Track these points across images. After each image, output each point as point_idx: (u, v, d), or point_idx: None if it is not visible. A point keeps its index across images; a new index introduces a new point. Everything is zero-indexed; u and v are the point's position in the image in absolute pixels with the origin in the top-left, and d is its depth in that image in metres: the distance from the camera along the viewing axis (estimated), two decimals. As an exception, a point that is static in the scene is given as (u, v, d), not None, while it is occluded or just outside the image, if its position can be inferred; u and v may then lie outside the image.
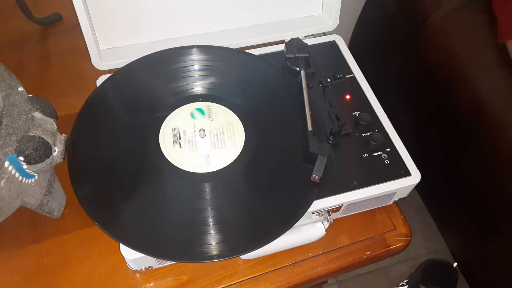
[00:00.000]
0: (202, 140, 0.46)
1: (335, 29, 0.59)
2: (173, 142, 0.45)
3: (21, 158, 0.37)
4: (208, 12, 0.55)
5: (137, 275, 0.44)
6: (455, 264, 0.82)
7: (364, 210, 0.48)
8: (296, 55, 0.52)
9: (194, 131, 0.47)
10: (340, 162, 0.46)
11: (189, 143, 0.46)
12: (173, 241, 0.40)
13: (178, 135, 0.46)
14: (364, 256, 0.47)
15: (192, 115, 0.47)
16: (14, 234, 0.46)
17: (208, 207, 0.42)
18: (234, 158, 0.45)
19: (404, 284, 0.86)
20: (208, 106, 0.49)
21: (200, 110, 0.48)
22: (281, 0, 0.57)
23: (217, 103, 0.49)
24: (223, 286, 0.44)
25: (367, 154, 0.47)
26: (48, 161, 0.40)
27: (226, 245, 0.40)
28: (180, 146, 0.45)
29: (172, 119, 0.48)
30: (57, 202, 0.46)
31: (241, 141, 0.46)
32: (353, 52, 0.57)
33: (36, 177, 0.41)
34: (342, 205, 0.44)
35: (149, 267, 0.43)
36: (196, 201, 0.42)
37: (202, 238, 0.40)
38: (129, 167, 0.44)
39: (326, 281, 0.66)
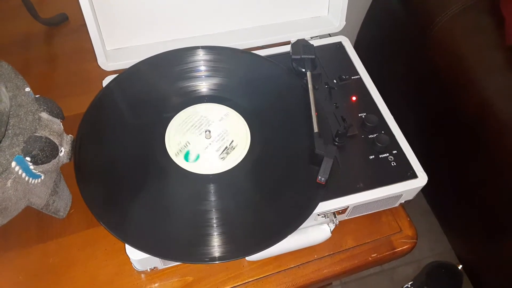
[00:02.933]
0: (208, 141, 0.46)
1: (340, 30, 0.59)
2: (178, 151, 0.45)
3: (28, 158, 0.37)
4: (214, 13, 0.55)
5: (142, 275, 0.44)
6: (460, 267, 0.82)
7: (370, 212, 0.48)
8: (302, 56, 0.52)
9: (201, 132, 0.47)
10: (346, 164, 0.46)
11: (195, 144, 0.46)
12: (178, 242, 0.40)
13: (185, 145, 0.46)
14: (370, 258, 0.46)
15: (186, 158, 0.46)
16: (20, 233, 0.46)
17: (214, 208, 0.42)
18: (240, 160, 0.45)
19: (409, 286, 0.85)
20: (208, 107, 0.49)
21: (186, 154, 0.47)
22: (287, 1, 0.57)
23: (223, 104, 0.49)
24: (228, 287, 0.44)
25: (373, 156, 0.46)
26: (54, 161, 0.40)
27: (231, 247, 0.40)
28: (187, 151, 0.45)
29: (184, 114, 0.47)
30: (63, 202, 0.46)
31: (247, 143, 0.46)
32: (359, 53, 0.56)
33: (43, 177, 0.41)
34: (348, 207, 0.44)
35: (154, 268, 0.43)
36: (202, 202, 0.42)
37: (207, 239, 0.40)
38: (135, 167, 0.44)
39: (331, 283, 0.66)
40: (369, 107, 0.51)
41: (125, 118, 0.48)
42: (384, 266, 1.09)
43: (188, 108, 0.48)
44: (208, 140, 0.46)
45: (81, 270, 0.44)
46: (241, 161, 0.45)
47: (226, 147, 0.46)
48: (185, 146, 0.45)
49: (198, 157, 0.45)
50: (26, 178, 0.39)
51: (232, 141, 0.46)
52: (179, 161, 0.44)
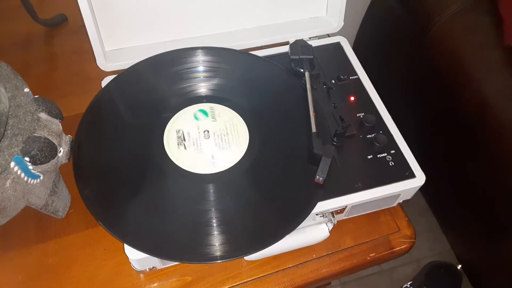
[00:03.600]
0: (207, 141, 0.46)
1: (339, 30, 0.59)
2: (178, 144, 0.45)
3: (26, 158, 0.37)
4: (212, 14, 0.55)
5: (141, 275, 0.44)
6: (459, 266, 0.82)
7: (368, 212, 0.48)
8: (301, 57, 0.52)
9: (199, 132, 0.47)
10: (344, 164, 0.46)
11: (193, 144, 0.46)
12: (177, 241, 0.40)
13: (182, 136, 0.46)
14: (368, 258, 0.47)
15: (196, 117, 0.47)
16: (19, 234, 0.46)
17: (212, 208, 0.42)
18: (239, 159, 0.45)
19: (408, 286, 0.85)
20: (211, 107, 0.49)
21: (204, 112, 0.48)
22: (285, 1, 0.57)
23: (222, 104, 0.49)
24: (227, 287, 0.44)
25: (371, 156, 0.47)
26: (53, 161, 0.40)
27: (230, 246, 0.40)
28: (185, 148, 0.46)
29: (177, 120, 0.48)
30: (62, 203, 0.46)
31: (246, 142, 0.47)
32: (358, 53, 0.56)
33: (42, 178, 0.41)
34: (346, 206, 0.44)
35: (153, 267, 0.43)
36: (200, 202, 0.42)
37: (206, 238, 0.40)
38: (134, 167, 0.45)
39: (330, 283, 0.66)
40: (367, 107, 0.51)
41: (124, 118, 0.48)
42: (384, 266, 1.09)
43: (186, 108, 0.48)
44: (206, 140, 0.47)
45: (81, 270, 0.44)
46: (239, 161, 0.45)
47: (225, 147, 0.46)
48: (182, 138, 0.45)
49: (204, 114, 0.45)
50: (25, 178, 0.39)
51: (230, 141, 0.46)
52: (166, 136, 0.44)
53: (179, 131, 0.46)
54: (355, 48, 0.57)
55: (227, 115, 0.48)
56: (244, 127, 0.48)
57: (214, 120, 0.47)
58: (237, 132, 0.47)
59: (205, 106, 0.49)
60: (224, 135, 0.47)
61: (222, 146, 0.46)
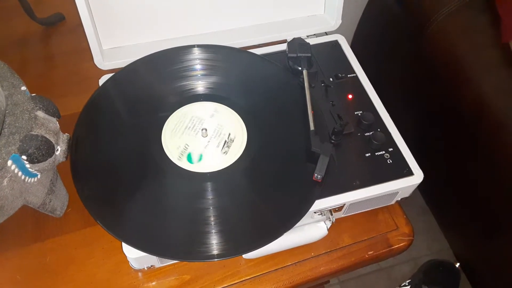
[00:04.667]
0: (203, 139, 0.46)
1: (337, 28, 0.59)
2: (180, 155, 0.45)
3: (24, 157, 0.37)
4: (210, 12, 0.55)
5: (139, 274, 0.44)
6: (457, 265, 0.82)
7: (366, 210, 0.48)
8: (298, 55, 0.52)
9: (197, 131, 0.47)
10: (343, 162, 0.46)
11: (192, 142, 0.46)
12: (175, 240, 0.40)
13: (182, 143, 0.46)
14: (367, 256, 0.47)
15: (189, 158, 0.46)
16: (17, 233, 0.46)
17: (210, 206, 0.42)
18: (237, 158, 0.45)
19: (407, 284, 0.85)
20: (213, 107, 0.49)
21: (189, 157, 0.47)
22: (283, 0, 0.57)
23: (219, 102, 0.49)
24: (225, 285, 0.44)
25: (369, 154, 0.47)
26: (50, 160, 0.40)
27: (228, 245, 0.40)
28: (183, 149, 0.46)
29: (175, 118, 0.48)
30: (60, 201, 0.46)
31: (243, 141, 0.46)
32: (356, 52, 0.57)
33: (39, 176, 0.41)
34: (345, 204, 0.44)
35: (151, 266, 0.43)
36: (198, 200, 0.42)
37: (204, 237, 0.40)
38: (132, 166, 0.44)
39: (328, 281, 0.66)
40: (365, 105, 0.51)
41: (122, 117, 0.48)
42: (382, 264, 1.09)
43: (176, 111, 0.48)
44: (205, 138, 0.46)
45: (79, 268, 0.44)
46: (237, 159, 0.45)
47: (226, 141, 0.46)
48: (185, 149, 0.45)
49: (201, 157, 0.45)
50: (23, 177, 0.39)
51: (230, 134, 0.46)
52: (183, 164, 0.44)
53: (179, 147, 0.46)
54: (352, 47, 0.57)
55: (226, 114, 0.48)
56: (242, 125, 0.48)
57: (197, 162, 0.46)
58: (235, 130, 0.47)
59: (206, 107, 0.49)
60: (222, 133, 0.47)
61: (220, 144, 0.46)
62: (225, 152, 0.45)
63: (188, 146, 0.45)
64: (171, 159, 0.45)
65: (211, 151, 0.45)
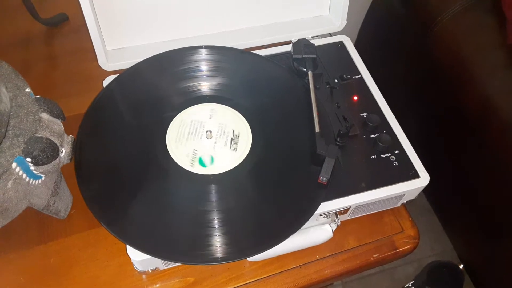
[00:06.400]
0: (209, 141, 0.46)
1: (342, 29, 0.59)
2: (191, 161, 0.45)
3: (28, 159, 0.37)
4: (215, 13, 0.55)
5: (143, 276, 0.44)
6: (461, 266, 0.81)
7: (372, 212, 0.48)
8: (304, 56, 0.51)
9: (201, 134, 0.47)
10: (348, 164, 0.45)
11: (197, 143, 0.46)
12: (180, 242, 0.40)
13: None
14: (372, 259, 0.46)
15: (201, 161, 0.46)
16: (21, 234, 0.46)
17: (215, 209, 0.42)
18: (241, 160, 0.45)
19: (410, 285, 0.85)
20: (213, 108, 0.49)
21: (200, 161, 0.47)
22: (288, 0, 0.57)
23: (224, 104, 0.49)
24: (230, 288, 0.44)
25: (375, 156, 0.46)
26: (55, 162, 0.40)
27: (233, 247, 0.40)
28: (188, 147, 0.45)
29: (179, 120, 0.47)
30: (64, 203, 0.46)
31: (248, 142, 0.46)
32: (360, 53, 0.56)
33: (43, 178, 0.41)
34: (350, 207, 0.44)
35: (155, 268, 0.43)
36: (203, 202, 0.42)
37: (208, 240, 0.40)
38: (136, 168, 0.44)
39: (332, 283, 0.66)
40: (371, 106, 0.50)
41: (126, 118, 0.48)
42: (385, 265, 1.08)
43: (173, 120, 0.48)
44: (211, 140, 0.46)
45: (82, 270, 0.44)
46: (242, 161, 0.45)
47: (232, 138, 0.46)
48: (194, 155, 0.45)
49: (212, 159, 0.44)
50: (27, 179, 0.39)
51: (233, 130, 0.46)
52: (198, 169, 0.44)
53: (188, 154, 0.45)
54: (356, 47, 0.57)
55: (229, 115, 0.48)
56: (246, 127, 0.47)
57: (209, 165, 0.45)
58: (239, 132, 0.47)
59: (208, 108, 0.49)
60: (227, 135, 0.47)
61: (225, 147, 0.46)
62: (235, 149, 0.45)
63: (197, 151, 0.45)
64: (176, 162, 0.44)
65: (220, 150, 0.45)
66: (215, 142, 0.46)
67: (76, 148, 0.44)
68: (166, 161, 0.44)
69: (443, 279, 0.81)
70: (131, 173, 0.44)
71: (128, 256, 0.40)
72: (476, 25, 0.73)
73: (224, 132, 0.47)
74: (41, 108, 0.40)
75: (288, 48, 0.55)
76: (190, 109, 0.48)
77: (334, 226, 0.45)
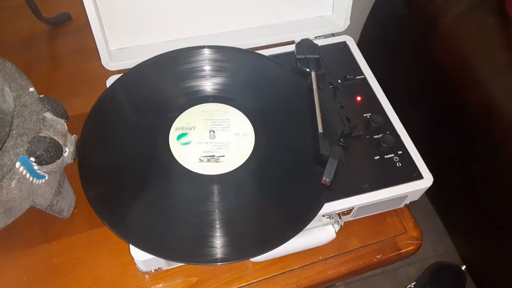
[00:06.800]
0: (212, 141, 0.46)
1: (345, 29, 0.59)
2: (181, 128, 0.45)
3: (32, 159, 0.37)
4: (218, 13, 0.55)
5: (146, 276, 0.44)
6: (463, 267, 0.81)
7: (375, 213, 0.48)
8: (307, 56, 0.51)
9: (204, 133, 0.47)
10: (351, 165, 0.45)
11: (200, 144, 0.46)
12: (183, 243, 0.40)
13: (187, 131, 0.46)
14: (375, 260, 0.46)
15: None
16: (24, 234, 0.46)
17: (218, 209, 0.42)
18: (244, 160, 0.45)
19: (412, 286, 0.85)
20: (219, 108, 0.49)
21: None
22: (291, 0, 0.57)
23: (227, 104, 0.49)
24: (232, 288, 0.44)
25: (378, 157, 0.46)
26: (58, 161, 0.40)
27: (236, 248, 0.40)
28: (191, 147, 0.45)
29: (183, 119, 0.47)
30: (67, 203, 0.46)
31: (251, 143, 0.46)
32: (362, 53, 0.56)
33: (47, 178, 0.41)
34: (353, 208, 0.44)
35: (158, 268, 0.43)
36: (206, 203, 0.42)
37: (211, 240, 0.40)
38: (139, 168, 0.44)
39: (334, 284, 0.66)
40: (374, 107, 0.50)
41: (129, 118, 0.48)
42: (387, 266, 1.08)
43: (177, 120, 0.47)
44: (214, 140, 0.46)
45: (85, 270, 0.44)
46: (245, 162, 0.45)
47: (213, 156, 0.45)
48: (189, 129, 0.45)
49: (188, 143, 0.44)
50: (30, 179, 0.39)
51: (223, 156, 0.45)
52: (201, 170, 0.44)
53: (183, 127, 0.45)
54: (359, 48, 0.57)
55: (233, 115, 0.48)
56: (249, 127, 0.47)
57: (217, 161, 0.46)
58: (242, 132, 0.47)
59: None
60: (230, 136, 0.46)
61: (228, 147, 0.46)
62: (238, 149, 0.45)
63: (193, 129, 0.45)
64: (180, 162, 0.44)
65: (223, 150, 0.45)
66: (218, 142, 0.46)
67: (80, 148, 0.44)
68: (169, 161, 0.44)
69: (445, 280, 0.80)
70: (134, 173, 0.44)
71: (131, 256, 0.40)
72: (479, 25, 0.73)
73: (228, 132, 0.47)
74: (44, 108, 0.40)
75: (291, 48, 0.55)
76: (193, 109, 0.48)
77: (337, 227, 0.45)
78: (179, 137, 0.44)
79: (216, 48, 0.52)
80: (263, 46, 0.57)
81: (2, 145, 0.36)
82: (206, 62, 0.51)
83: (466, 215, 0.81)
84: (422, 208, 1.06)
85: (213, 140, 0.46)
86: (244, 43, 0.55)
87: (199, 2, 0.53)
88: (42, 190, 0.41)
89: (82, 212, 0.47)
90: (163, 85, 0.50)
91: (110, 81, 0.51)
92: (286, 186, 0.44)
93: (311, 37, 0.57)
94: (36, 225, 0.46)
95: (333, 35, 0.59)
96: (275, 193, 0.43)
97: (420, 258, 1.09)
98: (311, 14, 0.59)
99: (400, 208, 0.49)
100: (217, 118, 0.48)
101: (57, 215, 0.45)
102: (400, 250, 0.47)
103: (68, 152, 0.41)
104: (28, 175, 0.38)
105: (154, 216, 0.41)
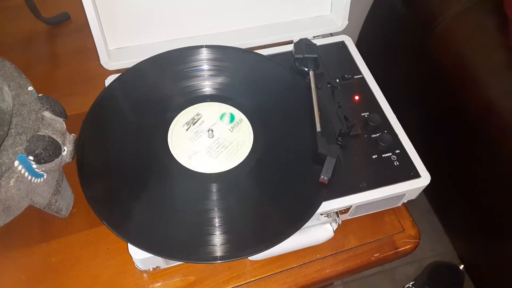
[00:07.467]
0: (211, 140, 0.46)
1: (343, 29, 0.59)
2: (188, 158, 0.45)
3: (30, 157, 0.37)
4: (216, 12, 0.55)
5: (145, 275, 0.44)
6: (461, 267, 0.82)
7: (372, 212, 0.48)
8: (305, 56, 0.51)
9: (203, 132, 0.47)
10: (349, 164, 0.45)
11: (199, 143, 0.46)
12: (181, 241, 0.40)
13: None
14: (373, 258, 0.46)
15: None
16: (22, 233, 0.46)
17: (216, 207, 0.42)
18: (243, 159, 0.45)
19: (410, 286, 0.85)
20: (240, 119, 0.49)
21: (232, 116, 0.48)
22: (289, 0, 0.57)
23: (226, 103, 0.49)
24: (231, 287, 0.44)
25: (376, 156, 0.46)
26: (57, 160, 0.40)
27: (234, 246, 0.40)
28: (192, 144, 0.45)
29: (181, 119, 0.48)
30: (65, 202, 0.46)
31: (250, 142, 0.46)
32: (361, 53, 0.56)
33: (45, 177, 0.41)
34: (351, 206, 0.44)
35: (156, 267, 0.43)
36: (204, 201, 0.42)
37: (209, 238, 0.40)
38: (138, 167, 0.44)
39: (332, 283, 0.66)
40: (372, 106, 0.50)
41: (128, 117, 0.48)
42: (385, 265, 1.08)
43: (175, 119, 0.48)
44: (212, 139, 0.46)
45: (84, 269, 0.44)
46: (243, 160, 0.45)
47: (229, 146, 0.46)
48: (196, 153, 0.45)
49: (214, 157, 0.45)
50: (29, 177, 0.39)
51: (234, 141, 0.46)
52: (199, 168, 0.44)
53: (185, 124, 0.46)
54: (357, 47, 0.57)
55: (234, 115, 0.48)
56: (248, 126, 0.48)
57: (231, 130, 0.47)
58: (241, 131, 0.47)
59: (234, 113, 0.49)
60: (229, 135, 0.47)
61: (226, 146, 0.46)
62: (236, 148, 0.45)
63: (198, 150, 0.45)
64: (178, 161, 0.44)
65: (221, 149, 0.45)
66: (217, 141, 0.46)
67: (78, 147, 0.44)
68: (167, 160, 0.44)
69: (443, 279, 0.81)
70: (133, 172, 0.44)
71: (130, 254, 0.40)
72: (478, 25, 0.73)
73: (226, 131, 0.47)
74: (43, 107, 0.40)
75: (289, 47, 0.55)
76: (191, 108, 0.49)
77: (335, 226, 0.45)
78: (204, 162, 0.44)
79: (214, 48, 0.52)
80: (261, 45, 0.57)
81: (1, 144, 0.36)
82: (204, 61, 0.51)
83: (464, 214, 0.81)
84: (421, 208, 1.06)
85: (212, 139, 0.46)
86: (243, 43, 0.55)
87: (198, 2, 0.53)
88: (41, 189, 0.41)
89: (80, 211, 0.47)
90: (162, 85, 0.50)
91: (108, 81, 0.51)
92: (284, 184, 0.44)
93: (309, 36, 0.57)
94: (34, 224, 0.46)
95: (331, 34, 0.60)
96: (273, 191, 0.44)
97: (418, 258, 1.09)
98: (309, 13, 0.59)
99: (398, 207, 0.49)
100: (216, 118, 0.48)
101: (56, 214, 0.45)
102: (398, 248, 0.47)
103: (66, 151, 0.42)
104: (26, 173, 0.38)
105: (152, 214, 0.41)
